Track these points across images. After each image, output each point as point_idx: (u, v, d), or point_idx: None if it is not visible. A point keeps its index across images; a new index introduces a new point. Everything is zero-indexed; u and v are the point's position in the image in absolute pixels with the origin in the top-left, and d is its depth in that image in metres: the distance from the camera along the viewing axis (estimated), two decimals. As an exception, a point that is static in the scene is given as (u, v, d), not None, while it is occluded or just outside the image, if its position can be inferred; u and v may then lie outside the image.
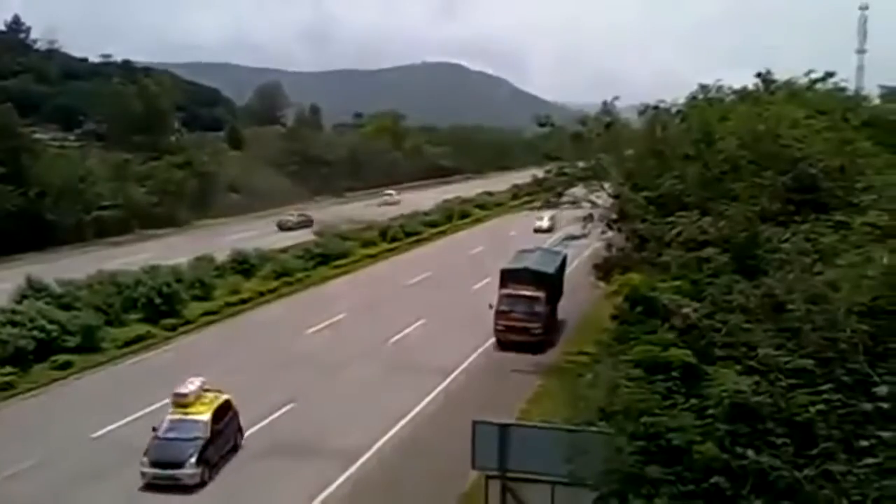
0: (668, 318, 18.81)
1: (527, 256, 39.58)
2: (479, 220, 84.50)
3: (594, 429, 14.34)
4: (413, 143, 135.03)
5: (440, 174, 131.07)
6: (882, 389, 12.92)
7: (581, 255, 45.52)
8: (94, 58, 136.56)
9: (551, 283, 36.08)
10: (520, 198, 66.24)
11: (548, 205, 38.25)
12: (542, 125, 38.56)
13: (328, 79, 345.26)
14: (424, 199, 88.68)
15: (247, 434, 24.47)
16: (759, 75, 44.42)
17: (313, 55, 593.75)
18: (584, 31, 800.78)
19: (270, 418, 25.95)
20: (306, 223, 72.14)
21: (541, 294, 34.61)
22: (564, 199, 36.18)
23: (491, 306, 34.73)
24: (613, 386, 15.50)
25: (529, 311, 34.21)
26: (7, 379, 28.71)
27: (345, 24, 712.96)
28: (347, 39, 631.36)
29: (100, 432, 24.61)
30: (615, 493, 13.51)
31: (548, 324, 35.00)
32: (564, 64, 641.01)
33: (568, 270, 47.65)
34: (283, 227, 71.97)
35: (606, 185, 35.01)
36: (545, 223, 63.32)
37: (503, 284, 35.71)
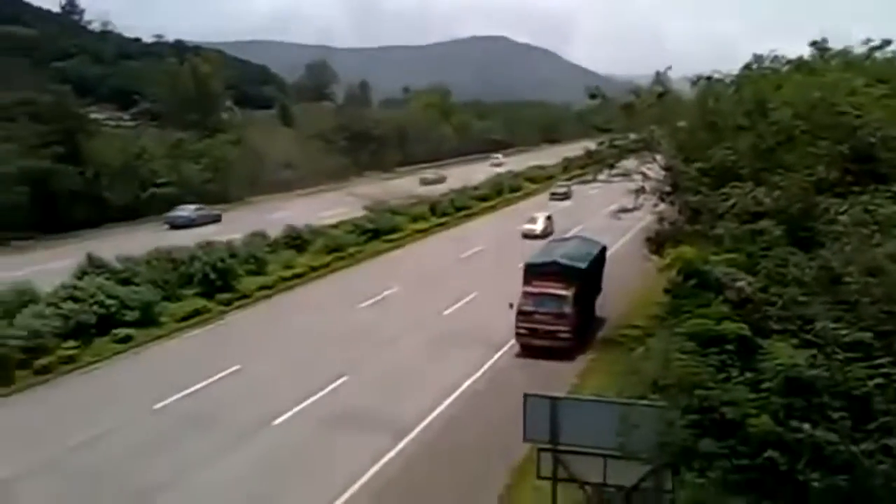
0: (721, 292, 18.67)
1: (557, 247, 35.50)
2: (529, 194, 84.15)
3: (646, 402, 14.35)
4: (460, 118, 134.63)
5: (489, 148, 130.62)
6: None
7: (633, 228, 45.12)
8: (146, 38, 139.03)
9: (584, 279, 31.75)
10: (570, 171, 65.15)
11: (598, 178, 37.60)
12: (592, 97, 37.99)
13: (376, 55, 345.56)
14: (475, 172, 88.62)
15: (300, 407, 24.95)
16: (814, 44, 43.37)
17: (361, 31, 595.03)
18: (633, 1, 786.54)
19: (324, 391, 26.33)
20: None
21: (570, 292, 30.29)
22: (616, 171, 35.80)
23: (512, 305, 30.49)
24: (666, 359, 15.52)
25: (557, 311, 29.88)
26: (70, 353, 29.52)
27: (393, 0, 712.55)
28: (395, 15, 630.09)
29: (161, 404, 25.24)
30: (668, 467, 13.56)
31: (578, 326, 30.69)
32: (613, 35, 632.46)
33: (621, 242, 47.64)
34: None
35: (658, 157, 34.56)
36: (539, 226, 55.68)
37: (527, 280, 31.44)
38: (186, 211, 62.89)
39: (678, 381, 14.55)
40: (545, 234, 53.28)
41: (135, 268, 37.08)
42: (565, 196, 74.37)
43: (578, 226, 52.86)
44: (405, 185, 79.19)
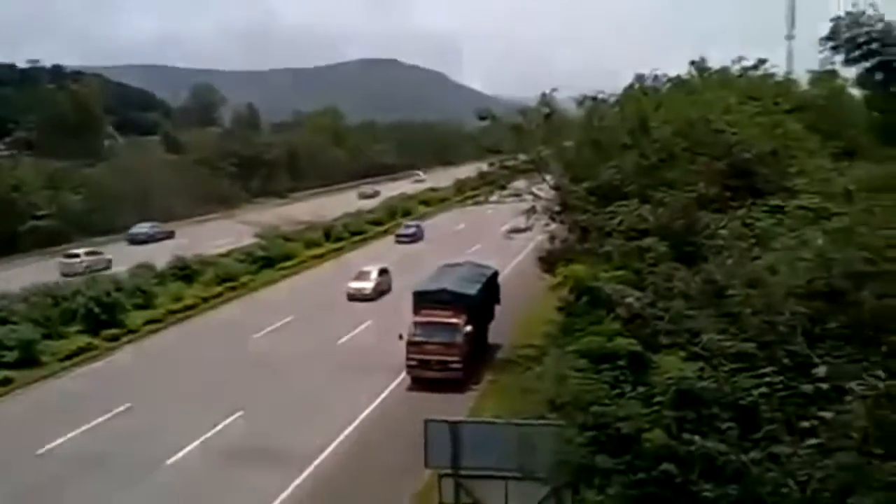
0: (612, 308, 19.06)
1: (447, 273, 34.50)
2: (423, 216, 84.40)
3: (544, 422, 14.48)
4: (353, 141, 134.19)
5: (384, 171, 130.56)
6: (821, 370, 13.30)
7: (526, 248, 45.81)
8: (21, 63, 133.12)
9: (476, 306, 31.03)
10: (463, 192, 65.61)
11: (491, 198, 37.98)
12: (482, 118, 38.50)
13: (264, 78, 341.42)
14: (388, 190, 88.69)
15: (195, 444, 24.14)
16: (692, 63, 45.30)
17: (248, 54, 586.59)
18: (521, 24, 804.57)
19: (219, 426, 25.55)
20: None
21: (461, 320, 29.49)
22: (508, 191, 36.28)
23: (401, 337, 29.59)
24: (561, 377, 15.70)
25: (448, 340, 28.93)
26: (-57, 399, 27.86)
27: (279, 21, 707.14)
28: (282, 38, 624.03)
29: (46, 447, 23.99)
30: (567, 486, 13.68)
31: (470, 355, 29.78)
32: (502, 58, 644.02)
33: (514, 262, 48.21)
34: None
35: (548, 177, 35.23)
36: (369, 285, 43.92)
37: (416, 309, 30.55)
38: (145, 228, 68.52)
39: (574, 398, 14.73)
40: (379, 293, 43.63)
41: (12, 305, 35.32)
42: (414, 238, 65.14)
43: (474, 247, 53.34)
44: (299, 211, 78.20)
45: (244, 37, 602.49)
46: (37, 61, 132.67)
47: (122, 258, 52.32)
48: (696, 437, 13.02)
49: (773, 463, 12.42)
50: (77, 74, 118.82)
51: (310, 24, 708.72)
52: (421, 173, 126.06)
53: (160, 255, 50.41)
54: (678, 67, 44.33)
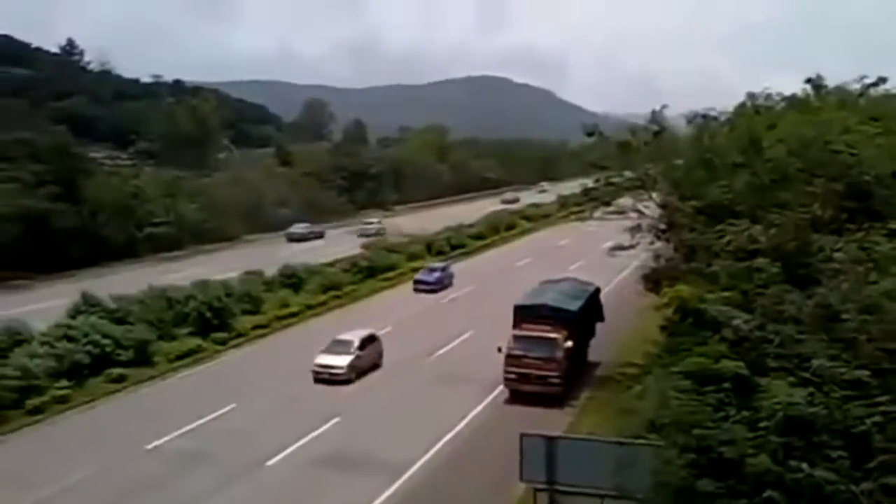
0: (718, 330, 18.55)
1: (548, 289, 34.04)
2: (525, 232, 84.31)
3: (644, 441, 14.19)
4: (457, 157, 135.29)
5: (487, 187, 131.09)
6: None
7: (630, 266, 45.09)
8: (145, 78, 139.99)
9: (576, 322, 30.88)
10: (567, 208, 64.81)
11: (594, 215, 37.62)
12: (589, 135, 38.14)
13: (373, 94, 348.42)
14: (470, 211, 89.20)
15: (299, 444, 24.87)
16: (808, 81, 43.79)
17: (359, 71, 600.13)
18: (628, 41, 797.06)
19: (317, 431, 26.09)
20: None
21: (561, 335, 29.44)
22: (612, 208, 35.88)
23: (500, 350, 29.52)
24: (663, 398, 15.34)
25: (547, 355, 28.87)
26: (63, 392, 29.29)
27: (390, 39, 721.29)
28: (392, 55, 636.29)
29: (154, 444, 24.98)
30: (666, 507, 13.35)
31: (569, 371, 29.65)
32: (609, 74, 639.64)
33: (617, 280, 47.58)
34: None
35: (654, 195, 34.68)
36: (341, 362, 31.67)
37: (517, 323, 30.60)
38: (301, 228, 77.56)
39: (675, 420, 14.37)
40: (359, 372, 32.23)
41: (129, 307, 36.92)
42: (437, 286, 50.85)
43: (576, 263, 52.86)
44: (403, 224, 79.36)
45: (356, 54, 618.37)
46: (160, 76, 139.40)
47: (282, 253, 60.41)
48: (804, 465, 12.52)
49: (886, 495, 11.83)
50: (196, 89, 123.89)
51: (421, 41, 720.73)
52: (545, 183, 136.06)
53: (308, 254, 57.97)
54: (793, 86, 42.67)
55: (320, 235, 77.18)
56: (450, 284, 52.12)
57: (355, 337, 33.49)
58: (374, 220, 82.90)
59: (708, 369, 16.34)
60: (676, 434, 14.08)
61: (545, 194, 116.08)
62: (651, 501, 13.33)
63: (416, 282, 51.28)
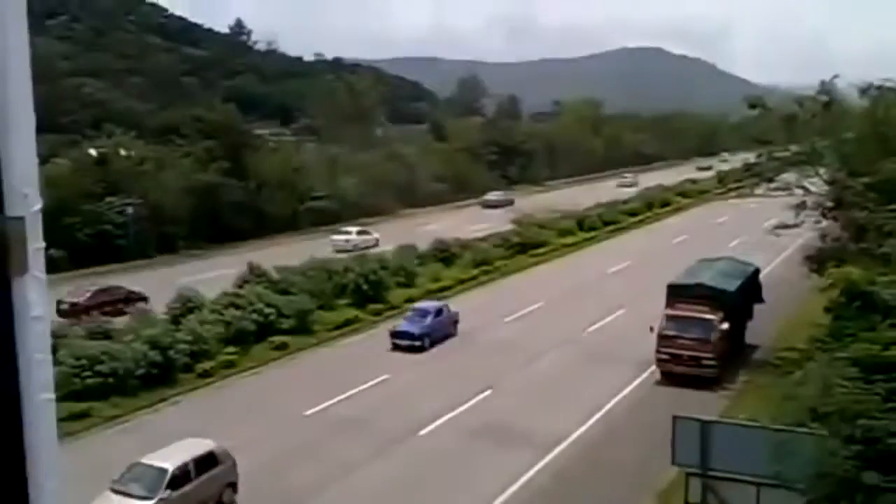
0: (889, 315, 17.50)
1: (704, 268, 32.84)
2: (681, 209, 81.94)
3: (805, 430, 13.64)
4: (612, 131, 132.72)
5: (643, 161, 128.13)
6: None
7: (792, 246, 43.08)
8: (308, 56, 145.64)
9: (733, 303, 29.79)
10: (726, 184, 62.40)
11: (756, 191, 36.11)
12: (752, 107, 36.47)
13: (527, 68, 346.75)
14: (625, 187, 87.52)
15: (452, 414, 25.52)
16: None
17: (513, 45, 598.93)
18: (792, 8, 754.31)
19: (469, 402, 26.55)
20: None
21: (716, 316, 28.52)
22: (775, 185, 34.33)
23: (652, 329, 28.80)
24: (827, 385, 14.69)
25: (701, 337, 28.04)
26: (230, 358, 31.12)
27: (544, 12, 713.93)
28: (547, 28, 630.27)
29: (312, 410, 26.16)
30: (827, 498, 12.81)
31: (725, 353, 28.80)
32: (771, 43, 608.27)
33: (778, 260, 45.58)
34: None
35: (821, 171, 32.90)
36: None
37: (670, 303, 29.78)
38: (495, 195, 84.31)
39: (840, 409, 13.73)
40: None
41: (291, 278, 38.65)
42: (423, 338, 32.81)
43: (734, 241, 51.09)
44: (555, 199, 78.86)
45: (511, 29, 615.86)
46: (321, 55, 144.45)
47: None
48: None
49: None
50: (355, 67, 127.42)
51: (576, 13, 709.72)
52: (629, 176, 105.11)
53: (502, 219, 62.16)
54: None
55: (511, 202, 79.84)
56: (451, 334, 34.66)
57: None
58: (351, 231, 61.63)
59: (877, 356, 15.50)
60: (841, 423, 13.47)
61: (631, 189, 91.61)
62: (811, 492, 12.81)
63: (395, 335, 33.50)
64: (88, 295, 38.23)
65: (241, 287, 36.60)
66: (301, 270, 39.99)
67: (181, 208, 58.41)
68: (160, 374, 28.44)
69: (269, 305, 34.38)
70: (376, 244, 55.51)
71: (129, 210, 54.51)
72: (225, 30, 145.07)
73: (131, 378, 27.51)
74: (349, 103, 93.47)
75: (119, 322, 32.76)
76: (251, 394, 28.60)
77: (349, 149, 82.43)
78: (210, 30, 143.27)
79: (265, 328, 33.63)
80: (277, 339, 33.38)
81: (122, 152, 60.21)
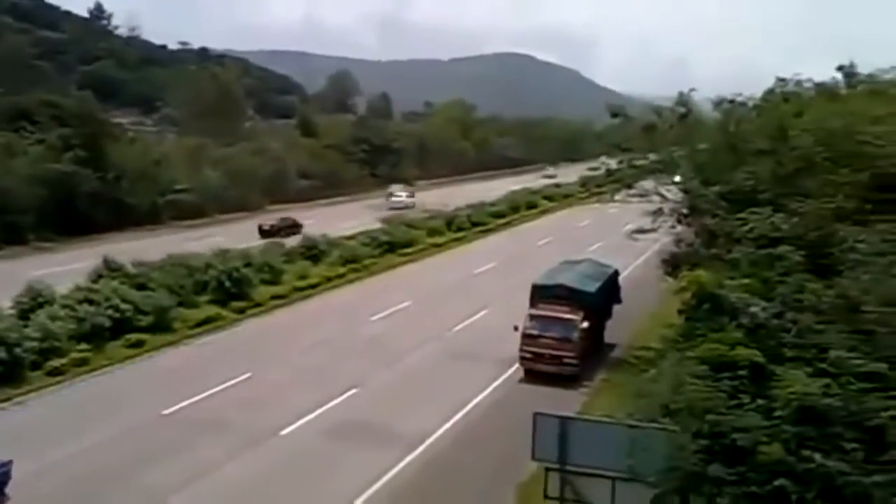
0: (736, 317, 18.48)
1: (566, 269, 33.95)
2: (546, 212, 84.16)
3: (657, 425, 14.21)
4: (481, 134, 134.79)
5: (508, 165, 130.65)
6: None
7: (650, 249, 44.95)
8: (172, 44, 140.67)
9: (593, 304, 30.75)
10: (588, 189, 64.69)
11: (616, 197, 37.41)
12: (614, 116, 37.75)
13: (399, 67, 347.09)
14: (490, 189, 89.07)
15: (314, 414, 25.05)
16: (840, 69, 43.11)
17: (384, 44, 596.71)
18: (655, 22, 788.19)
19: (333, 402, 26.31)
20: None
21: (577, 316, 29.37)
22: (634, 191, 35.67)
23: (516, 328, 29.48)
24: (678, 383, 15.34)
25: (563, 336, 28.89)
26: (83, 355, 29.60)
27: (417, 12, 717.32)
28: (419, 29, 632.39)
29: (170, 409, 25.26)
30: (676, 491, 13.40)
31: (585, 352, 29.71)
32: (635, 55, 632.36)
33: (636, 263, 47.44)
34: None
35: (677, 179, 34.41)
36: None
37: (533, 303, 30.52)
38: (399, 189, 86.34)
39: (689, 405, 14.37)
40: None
41: (150, 273, 37.28)
42: None
43: (595, 244, 52.85)
44: (424, 199, 79.46)
45: (383, 26, 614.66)
46: (187, 43, 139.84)
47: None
48: (817, 455, 12.52)
49: (899, 488, 11.83)
50: (221, 58, 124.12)
51: (449, 15, 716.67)
52: (551, 169, 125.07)
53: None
54: (825, 73, 41.89)
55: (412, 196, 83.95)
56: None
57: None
58: (403, 193, 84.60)
59: (724, 356, 16.29)
60: (690, 419, 14.10)
61: (551, 179, 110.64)
62: (662, 485, 13.37)
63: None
64: (275, 222, 62.14)
65: (95, 281, 34.93)
66: (160, 265, 38.61)
67: (31, 198, 55.20)
68: (5, 372, 26.77)
69: (125, 301, 32.98)
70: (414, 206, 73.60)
71: (-28, 198, 51.14)
72: (84, 13, 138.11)
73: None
74: (214, 94, 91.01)
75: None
76: (105, 393, 27.33)
77: (214, 141, 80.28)
78: (68, 12, 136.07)
79: (121, 325, 32.22)
80: (134, 336, 32.06)
81: (-35, 136, 56.48)
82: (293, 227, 60.95)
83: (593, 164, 41.05)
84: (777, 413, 13.69)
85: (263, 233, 58.99)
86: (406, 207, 76.52)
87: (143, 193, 65.13)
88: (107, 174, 62.08)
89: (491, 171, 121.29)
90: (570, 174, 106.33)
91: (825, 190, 24.21)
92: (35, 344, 28.42)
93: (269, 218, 64.48)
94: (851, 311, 16.64)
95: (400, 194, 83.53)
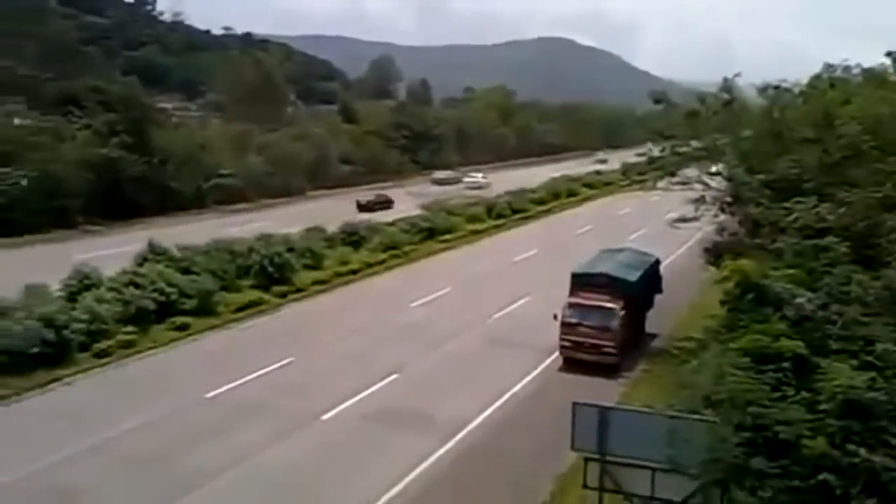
0: (780, 308, 18.28)
1: (607, 258, 33.90)
2: (586, 199, 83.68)
3: (698, 416, 14.15)
4: (521, 120, 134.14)
5: (549, 151, 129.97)
6: None
7: (692, 238, 44.52)
8: (216, 30, 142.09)
9: (634, 293, 30.64)
10: (630, 176, 64.12)
11: (658, 184, 37.02)
12: (657, 102, 37.35)
13: (439, 53, 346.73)
14: (533, 176, 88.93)
15: (355, 399, 25.32)
16: (889, 54, 42.06)
17: (426, 29, 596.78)
18: (696, 5, 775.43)
19: (374, 387, 26.53)
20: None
21: (617, 305, 29.18)
22: (676, 179, 35.31)
23: (556, 317, 29.40)
24: (720, 374, 15.26)
25: (603, 324, 28.80)
26: (129, 337, 30.16)
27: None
28: (461, 14, 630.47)
29: (213, 392, 25.68)
30: (717, 483, 13.35)
31: (625, 341, 29.54)
32: (677, 39, 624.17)
33: (678, 252, 47.02)
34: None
35: (721, 167, 33.99)
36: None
37: (573, 291, 30.39)
38: (444, 174, 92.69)
39: (731, 397, 14.30)
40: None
41: (194, 257, 37.77)
42: None
43: (636, 233, 52.48)
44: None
45: (424, 12, 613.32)
46: (231, 29, 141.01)
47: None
48: (862, 450, 12.39)
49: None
50: (264, 43, 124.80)
51: (488, 1, 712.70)
52: (601, 154, 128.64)
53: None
54: (874, 58, 40.88)
55: (459, 180, 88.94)
56: None
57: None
58: (479, 175, 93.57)
59: (767, 347, 16.15)
60: (732, 411, 14.03)
61: (603, 165, 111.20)
62: (703, 477, 13.32)
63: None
64: (371, 198, 68.85)
65: (141, 265, 35.52)
66: (204, 250, 39.11)
67: (79, 182, 56.28)
68: (55, 354, 27.31)
69: (170, 285, 33.48)
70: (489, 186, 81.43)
71: (24, 182, 52.19)
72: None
73: (23, 357, 26.40)
74: (257, 79, 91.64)
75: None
76: (150, 375, 27.84)
77: (257, 126, 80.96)
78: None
79: (166, 308, 32.75)
80: (179, 319, 32.56)
81: (16, 122, 57.61)
82: (387, 203, 68.54)
83: (637, 150, 40.52)
84: (821, 406, 13.57)
85: (361, 207, 65.65)
86: (481, 188, 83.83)
87: (188, 178, 65.96)
88: (152, 159, 62.97)
89: (532, 158, 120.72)
90: (612, 161, 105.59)
91: (872, 179, 23.79)
92: (83, 326, 28.98)
93: (367, 194, 71.71)
94: (899, 304, 16.39)
95: (476, 175, 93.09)
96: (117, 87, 68.31)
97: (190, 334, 32.21)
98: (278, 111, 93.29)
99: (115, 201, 57.94)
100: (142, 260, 36.55)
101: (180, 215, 60.74)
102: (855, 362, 14.80)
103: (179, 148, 67.11)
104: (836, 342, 16.18)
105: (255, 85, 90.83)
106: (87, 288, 32.52)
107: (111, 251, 41.24)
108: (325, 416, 24.19)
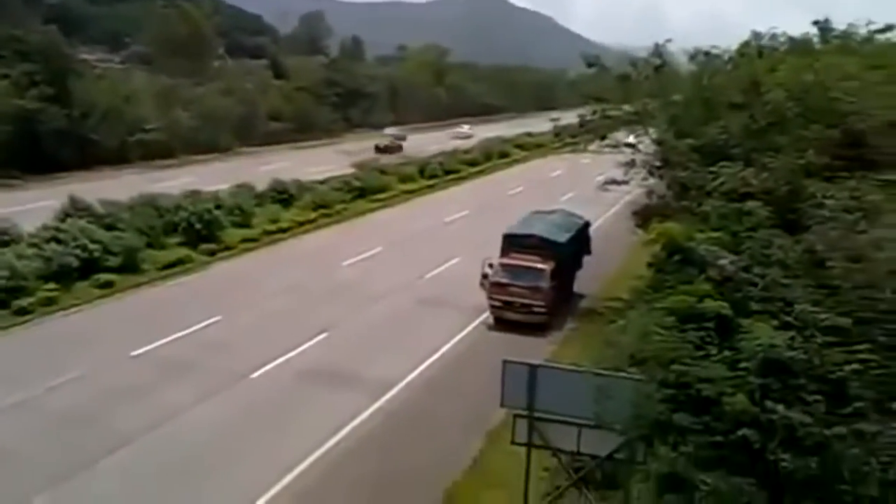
0: (704, 270, 18.67)
1: (538, 220, 34.18)
2: (518, 161, 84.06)
3: (624, 374, 14.43)
4: (454, 80, 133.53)
5: (481, 112, 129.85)
6: (919, 352, 12.85)
7: (621, 201, 45.16)
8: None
9: (564, 254, 31.06)
10: (562, 139, 64.45)
11: (589, 147, 37.38)
12: (590, 65, 37.55)
13: (372, 10, 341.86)
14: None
15: (283, 358, 25.13)
16: (816, 23, 42.98)
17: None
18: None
19: (303, 346, 26.38)
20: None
21: (548, 266, 29.64)
22: (607, 142, 35.66)
23: (486, 276, 29.92)
24: (645, 333, 15.54)
25: (533, 285, 29.13)
26: (51, 294, 29.39)
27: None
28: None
29: (139, 350, 25.21)
30: (642, 438, 13.68)
31: (554, 301, 29.92)
32: (611, 3, 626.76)
33: (607, 214, 47.66)
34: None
35: (650, 131, 34.43)
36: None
37: (504, 251, 30.83)
38: (393, 131, 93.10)
39: (656, 355, 14.60)
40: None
41: (119, 213, 36.84)
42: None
43: (567, 195, 53.00)
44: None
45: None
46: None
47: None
48: (780, 406, 12.81)
49: (858, 440, 12.16)
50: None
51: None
52: (466, 127, 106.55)
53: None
54: (802, 28, 41.68)
55: (404, 138, 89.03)
56: None
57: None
58: (466, 126, 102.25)
59: (691, 307, 16.47)
60: (656, 369, 14.33)
61: (463, 140, 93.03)
62: (628, 433, 13.63)
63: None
64: (388, 142, 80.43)
65: (63, 221, 34.47)
66: (129, 206, 38.15)
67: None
68: (-29, 311, 26.50)
69: (93, 241, 32.67)
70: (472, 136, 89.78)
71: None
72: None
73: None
74: (184, 32, 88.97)
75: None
76: (74, 333, 27.20)
77: (183, 80, 78.75)
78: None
79: (90, 265, 31.96)
80: (103, 276, 31.84)
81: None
82: (399, 148, 79.29)
83: (562, 113, 40.81)
84: (742, 364, 13.93)
85: (378, 150, 76.63)
86: (468, 137, 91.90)
87: (111, 132, 64.01)
88: (73, 111, 60.88)
89: (465, 118, 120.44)
90: (542, 123, 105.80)
91: (796, 145, 24.33)
92: (1, 282, 28.13)
93: (384, 138, 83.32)
94: (817, 267, 16.88)
95: (464, 127, 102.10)
96: (37, 36, 65.44)
97: (115, 292, 31.52)
98: (206, 65, 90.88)
99: (33, 155, 55.96)
100: (63, 215, 35.51)
101: (103, 170, 59.06)
102: (775, 322, 15.20)
103: (102, 100, 64.97)
104: (758, 303, 16.57)
105: (182, 38, 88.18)
106: (6, 244, 31.55)
107: (30, 206, 39.92)
108: (253, 375, 23.99)
